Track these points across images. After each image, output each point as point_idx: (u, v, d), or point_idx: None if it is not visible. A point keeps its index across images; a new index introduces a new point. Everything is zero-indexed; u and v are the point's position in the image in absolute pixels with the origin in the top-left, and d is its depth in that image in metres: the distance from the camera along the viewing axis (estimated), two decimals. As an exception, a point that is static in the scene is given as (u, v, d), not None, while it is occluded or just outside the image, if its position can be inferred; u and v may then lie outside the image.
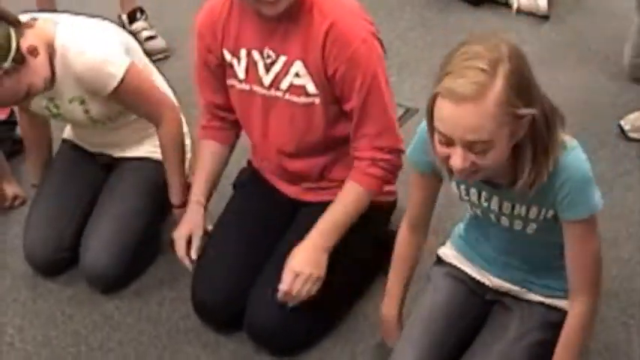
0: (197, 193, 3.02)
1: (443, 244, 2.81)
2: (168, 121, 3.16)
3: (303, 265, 2.75)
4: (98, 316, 3.14)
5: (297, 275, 2.74)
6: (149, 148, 3.34)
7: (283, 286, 2.74)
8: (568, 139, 2.27)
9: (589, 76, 4.13)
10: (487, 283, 2.66)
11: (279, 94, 2.82)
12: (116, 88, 2.99)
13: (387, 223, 3.12)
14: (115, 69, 2.98)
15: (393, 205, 3.11)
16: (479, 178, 2.26)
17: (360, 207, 2.82)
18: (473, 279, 2.68)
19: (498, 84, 2.06)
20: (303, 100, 2.79)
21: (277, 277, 2.79)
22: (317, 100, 2.78)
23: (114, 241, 3.16)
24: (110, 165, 3.39)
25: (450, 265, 2.73)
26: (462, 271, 2.70)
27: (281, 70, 2.78)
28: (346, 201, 2.82)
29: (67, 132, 3.50)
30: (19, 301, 3.23)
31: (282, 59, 2.77)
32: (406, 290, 2.72)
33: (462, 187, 2.45)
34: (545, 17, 4.56)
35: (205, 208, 3.02)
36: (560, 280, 2.50)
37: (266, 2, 2.60)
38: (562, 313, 2.53)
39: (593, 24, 4.50)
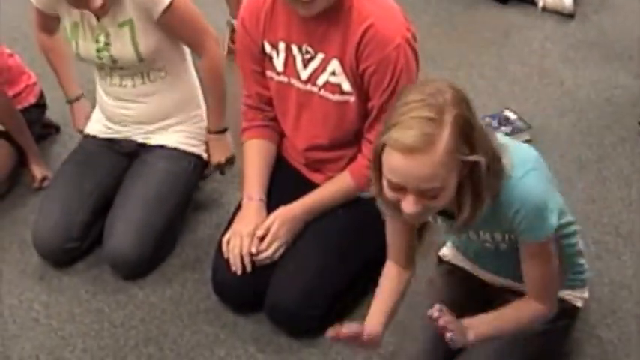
0: (256, 191, 3.02)
1: (444, 243, 2.87)
2: (212, 49, 3.25)
3: (286, 233, 2.92)
4: (122, 295, 3.20)
5: (274, 240, 2.91)
6: (179, 139, 3.38)
7: (264, 247, 2.92)
8: (514, 166, 2.25)
9: (612, 75, 4.16)
10: (483, 277, 2.71)
11: (314, 89, 2.87)
12: (167, 8, 3.11)
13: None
14: None
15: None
16: (426, 219, 2.30)
17: (346, 197, 2.96)
18: (470, 275, 2.73)
19: (446, 132, 2.07)
20: (337, 97, 2.85)
21: (300, 261, 2.91)
22: (352, 99, 2.83)
23: (139, 227, 3.19)
24: (133, 154, 3.42)
25: (448, 263, 2.78)
26: (460, 268, 2.75)
27: (318, 67, 2.83)
28: (336, 188, 2.96)
29: (91, 126, 3.52)
30: (46, 278, 3.29)
31: (320, 56, 2.82)
32: (391, 317, 2.58)
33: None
34: (570, 16, 4.59)
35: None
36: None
37: (301, 2, 2.65)
38: (560, 304, 2.57)
39: (618, 23, 4.53)
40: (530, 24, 4.60)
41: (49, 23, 3.43)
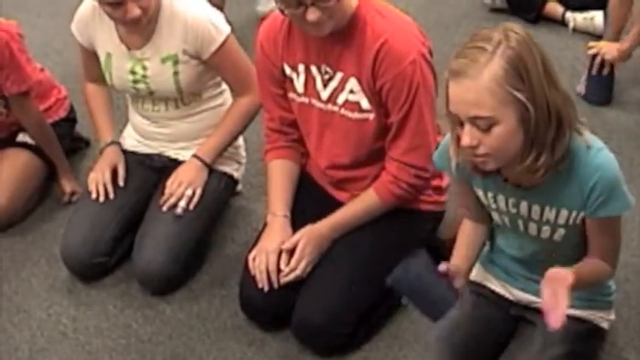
0: (280, 208, 3.03)
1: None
2: (254, 94, 3.22)
3: (312, 251, 2.92)
4: (149, 310, 3.21)
5: (302, 258, 2.91)
6: None
7: (293, 265, 2.92)
8: (593, 140, 2.31)
9: (642, 96, 4.16)
10: (510, 297, 2.70)
11: (335, 108, 2.89)
12: (219, 48, 3.14)
13: (434, 230, 3.17)
14: (220, 29, 3.16)
15: (441, 215, 3.15)
16: (492, 165, 2.27)
17: (371, 215, 2.96)
18: (497, 294, 2.72)
19: (496, 62, 2.13)
20: (356, 115, 2.86)
21: (327, 278, 2.91)
22: (371, 116, 2.85)
23: (169, 244, 3.19)
24: (164, 169, 3.40)
25: (474, 283, 2.76)
26: (487, 288, 2.74)
27: (338, 86, 2.85)
28: (361, 206, 2.96)
29: (122, 141, 3.51)
30: (74, 293, 3.30)
31: (339, 75, 2.84)
32: (470, 264, 2.63)
33: (490, 194, 2.47)
34: (600, 37, 4.56)
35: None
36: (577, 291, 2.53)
37: (310, 25, 2.67)
38: (586, 325, 2.58)
39: (648, 44, 4.50)
40: (561, 44, 4.58)
41: (95, 68, 3.38)
